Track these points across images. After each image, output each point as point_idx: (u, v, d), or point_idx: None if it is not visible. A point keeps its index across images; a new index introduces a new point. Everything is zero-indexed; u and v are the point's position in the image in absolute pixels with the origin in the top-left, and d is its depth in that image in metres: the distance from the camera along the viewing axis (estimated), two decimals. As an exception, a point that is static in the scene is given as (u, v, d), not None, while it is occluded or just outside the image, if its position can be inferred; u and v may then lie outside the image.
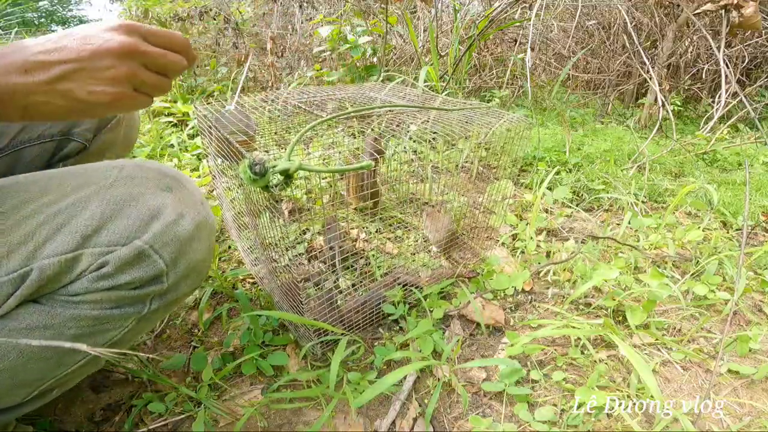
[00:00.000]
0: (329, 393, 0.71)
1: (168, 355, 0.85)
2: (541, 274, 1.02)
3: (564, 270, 1.02)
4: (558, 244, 1.13)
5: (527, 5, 1.91)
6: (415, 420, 0.70)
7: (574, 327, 0.81)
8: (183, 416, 0.71)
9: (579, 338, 0.82)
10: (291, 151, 0.60)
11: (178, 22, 2.41)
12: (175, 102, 2.10)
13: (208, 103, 0.95)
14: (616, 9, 2.34)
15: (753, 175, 1.54)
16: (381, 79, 1.81)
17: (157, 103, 2.07)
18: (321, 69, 2.04)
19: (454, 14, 1.87)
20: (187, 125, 1.91)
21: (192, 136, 1.81)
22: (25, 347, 0.49)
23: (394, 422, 0.70)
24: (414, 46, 1.98)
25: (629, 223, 1.15)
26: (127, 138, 0.95)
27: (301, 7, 2.48)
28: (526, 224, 1.17)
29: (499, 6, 1.79)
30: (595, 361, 0.78)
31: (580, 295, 0.92)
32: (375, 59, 2.00)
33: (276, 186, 0.57)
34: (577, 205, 1.34)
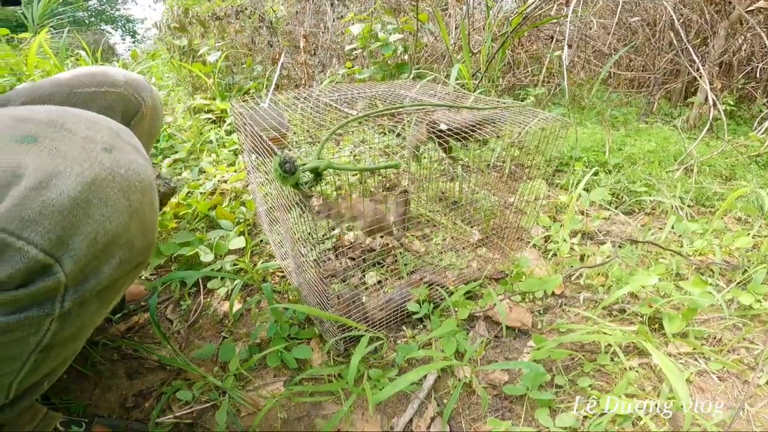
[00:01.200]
0: (349, 388, 0.71)
1: (199, 344, 0.88)
2: (573, 278, 0.99)
3: (598, 274, 0.98)
4: (593, 248, 1.09)
5: (564, 2, 1.85)
6: (432, 419, 0.69)
7: (605, 333, 0.78)
8: (207, 405, 0.74)
9: (609, 345, 0.79)
10: (321, 150, 0.61)
11: (216, 21, 2.48)
12: (214, 99, 2.16)
13: (244, 101, 0.97)
14: (661, 5, 2.22)
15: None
16: (412, 77, 1.80)
17: (198, 100, 2.14)
18: (352, 67, 2.05)
19: (486, 11, 1.84)
20: (224, 122, 1.97)
21: (229, 133, 1.87)
22: None
23: (411, 420, 0.70)
24: (445, 44, 1.96)
25: (672, 227, 1.10)
26: (151, 129, 0.93)
27: (332, 5, 2.51)
28: (560, 226, 1.13)
29: (533, 3, 1.74)
30: (625, 369, 0.75)
31: (615, 301, 0.89)
32: (406, 57, 1.99)
33: (306, 183, 0.57)
34: (615, 208, 1.28)
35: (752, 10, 1.76)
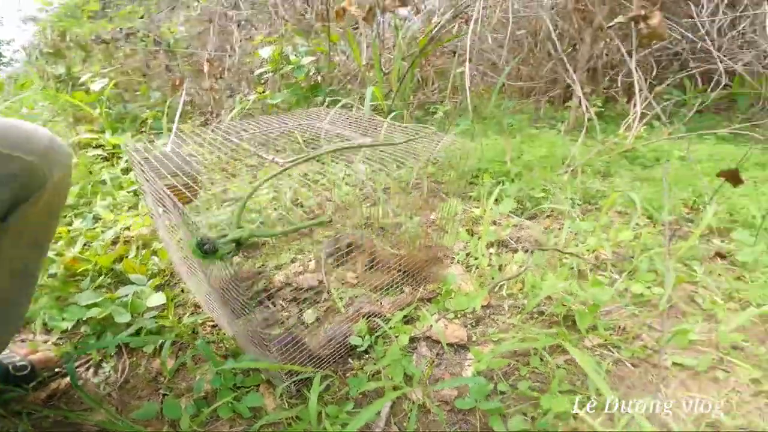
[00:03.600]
0: (311, 429, 0.71)
1: (137, 404, 0.81)
2: (495, 289, 1.07)
3: (516, 282, 1.08)
4: (508, 256, 1.20)
5: (464, 21, 1.98)
6: (396, 445, 0.72)
7: (531, 337, 0.86)
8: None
9: (535, 348, 0.87)
10: (239, 217, 0.59)
11: (100, 44, 2.26)
12: (103, 132, 1.95)
13: (140, 133, 0.90)
14: (541, 18, 2.49)
15: (670, 169, 1.70)
16: (326, 103, 1.81)
17: (82, 134, 1.93)
18: (264, 91, 2.00)
19: (395, 32, 1.91)
20: (119, 158, 1.80)
21: (126, 171, 1.71)
22: None
23: (377, 451, 0.71)
24: (358, 64, 2.00)
25: (570, 228, 1.24)
26: (51, 207, 0.74)
27: (239, 25, 2.41)
28: (478, 239, 1.22)
29: (439, 22, 1.85)
30: (554, 368, 0.84)
31: (534, 306, 0.98)
32: (319, 78, 1.99)
33: (228, 254, 0.55)
34: (521, 214, 1.41)
35: (612, 25, 2.05)
